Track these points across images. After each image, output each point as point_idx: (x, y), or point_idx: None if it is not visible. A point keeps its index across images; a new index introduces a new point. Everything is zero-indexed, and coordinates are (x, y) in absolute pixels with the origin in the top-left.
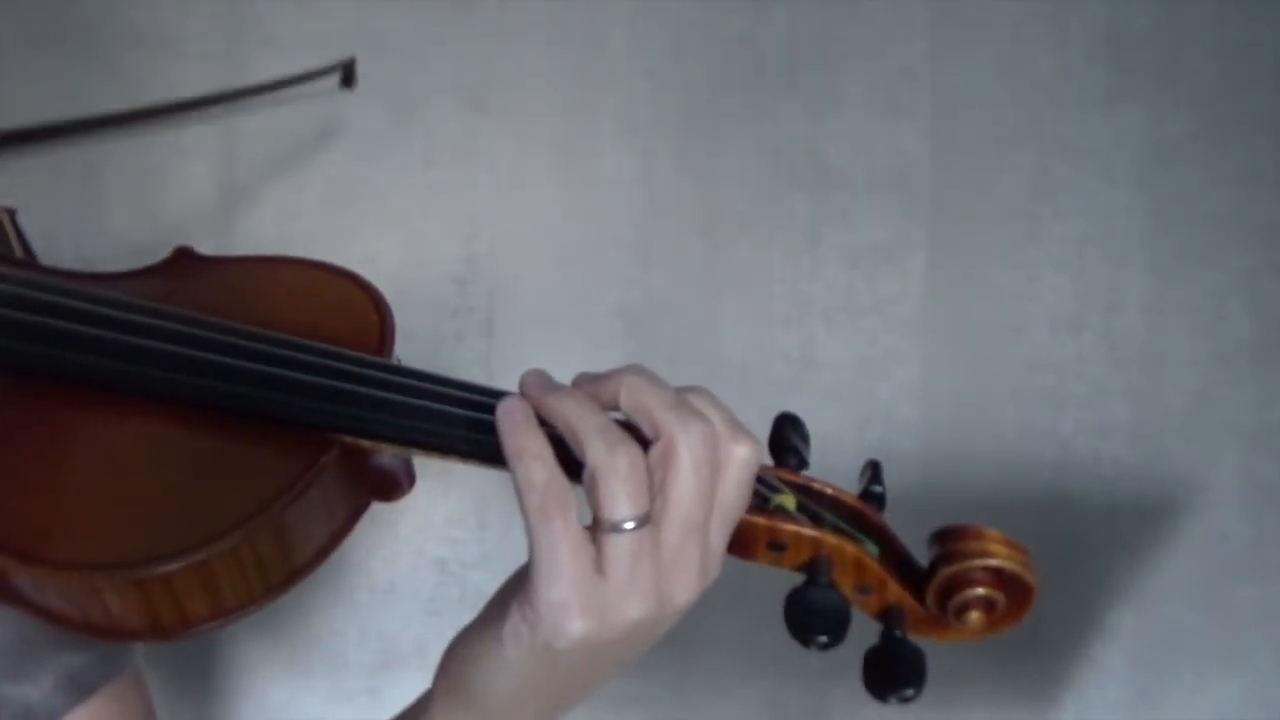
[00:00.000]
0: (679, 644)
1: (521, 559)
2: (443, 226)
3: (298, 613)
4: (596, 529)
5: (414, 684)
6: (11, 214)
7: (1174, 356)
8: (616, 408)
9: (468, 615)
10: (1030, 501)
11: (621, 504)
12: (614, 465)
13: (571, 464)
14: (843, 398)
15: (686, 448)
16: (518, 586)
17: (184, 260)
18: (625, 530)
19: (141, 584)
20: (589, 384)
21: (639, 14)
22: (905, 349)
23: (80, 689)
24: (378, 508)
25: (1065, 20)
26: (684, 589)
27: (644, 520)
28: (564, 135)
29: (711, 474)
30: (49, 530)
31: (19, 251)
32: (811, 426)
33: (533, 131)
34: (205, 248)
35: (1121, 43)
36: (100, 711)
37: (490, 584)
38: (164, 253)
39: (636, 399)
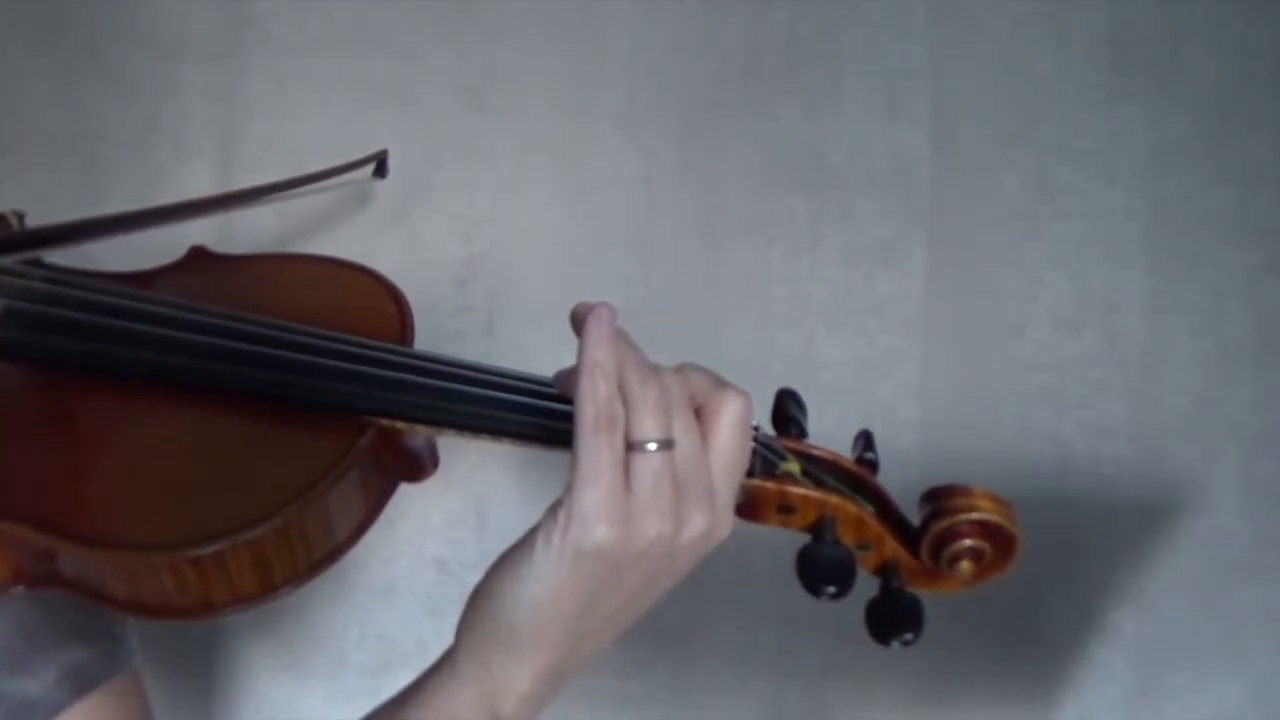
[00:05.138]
0: (679, 644)
1: None
2: (443, 226)
3: (296, 613)
4: (627, 450)
5: None
6: (21, 217)
7: (1174, 356)
8: None
9: None
10: (1030, 501)
11: (648, 426)
12: (644, 394)
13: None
14: (843, 398)
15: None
16: (540, 522)
17: (200, 259)
18: (649, 451)
19: (198, 561)
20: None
21: (639, 14)
22: (905, 349)
23: (82, 684)
24: None
25: (1065, 20)
26: (696, 517)
27: (666, 444)
28: (564, 135)
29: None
30: (109, 515)
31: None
32: (811, 426)
33: (533, 131)
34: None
35: (1121, 43)
36: (101, 707)
37: None
38: (164, 252)
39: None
